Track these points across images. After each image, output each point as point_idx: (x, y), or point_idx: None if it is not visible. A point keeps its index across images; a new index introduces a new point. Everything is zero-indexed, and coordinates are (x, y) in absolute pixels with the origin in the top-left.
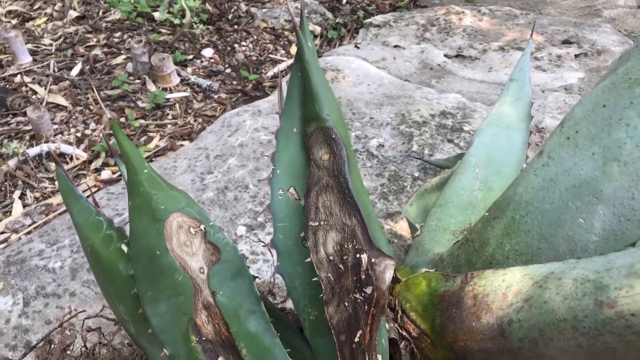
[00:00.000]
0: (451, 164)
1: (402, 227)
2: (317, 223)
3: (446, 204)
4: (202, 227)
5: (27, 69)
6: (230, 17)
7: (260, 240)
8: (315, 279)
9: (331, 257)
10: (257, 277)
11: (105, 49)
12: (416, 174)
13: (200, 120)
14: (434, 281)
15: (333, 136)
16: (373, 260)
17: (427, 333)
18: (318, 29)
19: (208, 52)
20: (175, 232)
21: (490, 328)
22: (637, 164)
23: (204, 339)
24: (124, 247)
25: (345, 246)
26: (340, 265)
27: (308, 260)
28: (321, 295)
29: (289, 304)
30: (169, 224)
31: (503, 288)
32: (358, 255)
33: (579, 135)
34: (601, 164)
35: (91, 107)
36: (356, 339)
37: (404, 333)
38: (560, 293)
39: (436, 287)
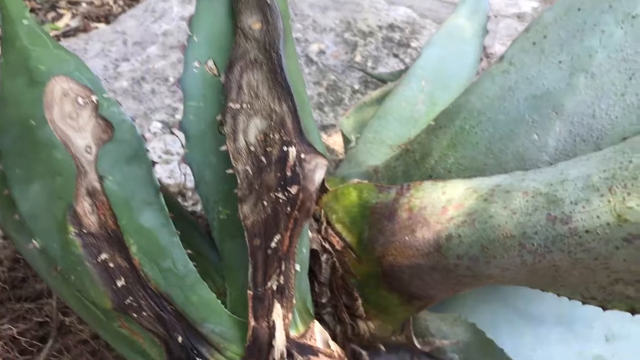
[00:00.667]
0: (394, 78)
1: (335, 142)
2: (239, 105)
3: (386, 116)
4: (93, 97)
5: None
6: None
7: (169, 127)
8: (231, 171)
9: (252, 148)
10: (157, 167)
11: None
12: (356, 87)
13: (121, 2)
14: (366, 192)
15: (268, 1)
16: (302, 156)
17: (352, 247)
18: None
19: None
20: (59, 100)
21: (425, 243)
22: (605, 77)
23: (84, 231)
24: None
25: (271, 136)
26: (263, 158)
27: (223, 148)
28: (235, 190)
29: (200, 207)
30: (50, 90)
31: (443, 201)
32: (285, 148)
33: (546, 40)
34: (567, 74)
35: None
36: (273, 244)
37: (327, 245)
38: (509, 207)
39: (368, 198)
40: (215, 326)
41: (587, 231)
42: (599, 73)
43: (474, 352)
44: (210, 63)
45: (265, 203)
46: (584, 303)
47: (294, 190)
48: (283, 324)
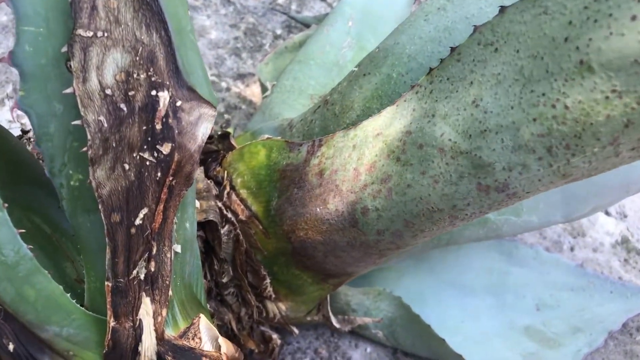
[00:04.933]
0: (320, 23)
1: (253, 92)
2: (92, 33)
3: (307, 61)
4: None
5: None
6: None
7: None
8: (78, 122)
9: (108, 91)
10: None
11: None
12: (278, 32)
13: None
14: (276, 151)
15: None
16: (179, 103)
17: (259, 217)
18: None
19: None
20: None
21: (339, 217)
22: None
23: None
24: None
25: (135, 76)
26: (123, 105)
27: (68, 91)
28: (85, 148)
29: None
30: None
31: (354, 160)
32: (154, 93)
33: None
34: None
35: None
36: (137, 221)
37: (230, 215)
38: (427, 173)
39: (277, 158)
40: (63, 328)
41: (528, 192)
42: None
43: (399, 327)
44: None
45: (126, 166)
46: None
47: (165, 149)
48: (153, 323)
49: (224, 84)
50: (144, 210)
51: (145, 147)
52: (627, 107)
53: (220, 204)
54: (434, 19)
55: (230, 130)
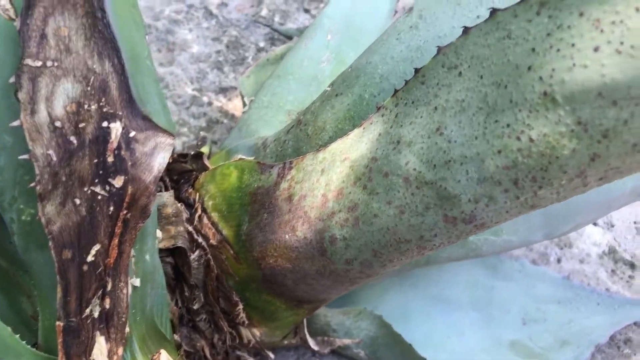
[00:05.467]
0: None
1: (235, 106)
2: (41, 63)
3: (285, 76)
4: None
5: None
6: None
7: None
8: (26, 156)
9: (58, 123)
10: None
11: None
12: (261, 44)
13: None
14: (247, 173)
15: None
16: (132, 133)
17: (229, 242)
18: None
19: None
20: None
21: (307, 245)
22: None
23: None
24: None
25: (86, 107)
26: (73, 138)
27: (15, 124)
28: (33, 184)
29: None
30: None
31: (322, 186)
32: (105, 124)
33: None
34: None
35: None
36: (90, 258)
37: (200, 239)
38: (393, 203)
39: (249, 181)
40: None
41: (497, 222)
42: None
43: (381, 346)
44: (5, 2)
45: (77, 201)
46: None
47: (118, 182)
48: None
49: (205, 99)
50: (96, 247)
51: (96, 180)
52: (593, 141)
53: (191, 228)
54: (406, 38)
55: (204, 149)
